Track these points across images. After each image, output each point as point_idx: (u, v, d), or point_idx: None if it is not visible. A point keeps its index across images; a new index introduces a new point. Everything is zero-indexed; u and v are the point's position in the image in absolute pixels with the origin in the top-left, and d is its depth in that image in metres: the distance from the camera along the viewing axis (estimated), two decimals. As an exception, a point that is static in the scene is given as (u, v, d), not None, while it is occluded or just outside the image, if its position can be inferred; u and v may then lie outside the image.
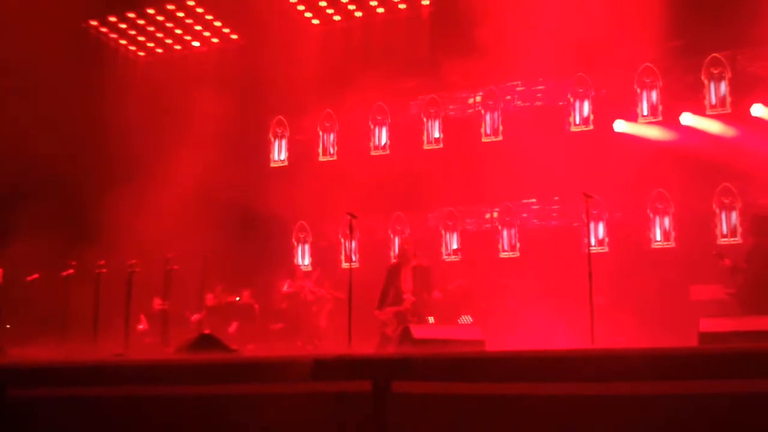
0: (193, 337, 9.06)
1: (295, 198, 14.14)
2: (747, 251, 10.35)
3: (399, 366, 5.47)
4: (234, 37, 15.92)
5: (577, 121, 13.98)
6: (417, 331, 8.56)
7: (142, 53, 16.47)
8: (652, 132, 13.28)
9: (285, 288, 12.99)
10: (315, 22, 15.31)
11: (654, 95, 13.54)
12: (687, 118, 12.96)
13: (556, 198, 13.80)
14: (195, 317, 12.71)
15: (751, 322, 8.21)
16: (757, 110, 12.45)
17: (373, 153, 15.35)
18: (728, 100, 13.02)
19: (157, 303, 12.31)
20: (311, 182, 14.49)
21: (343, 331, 9.58)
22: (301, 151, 15.86)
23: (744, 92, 12.80)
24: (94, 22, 15.58)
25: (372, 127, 15.45)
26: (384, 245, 14.88)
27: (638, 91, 13.63)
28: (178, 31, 15.83)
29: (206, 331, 9.63)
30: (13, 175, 12.77)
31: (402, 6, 14.72)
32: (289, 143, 16.01)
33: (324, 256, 15.04)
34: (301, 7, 14.96)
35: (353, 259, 13.16)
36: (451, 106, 14.97)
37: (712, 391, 5.45)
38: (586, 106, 13.95)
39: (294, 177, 15.02)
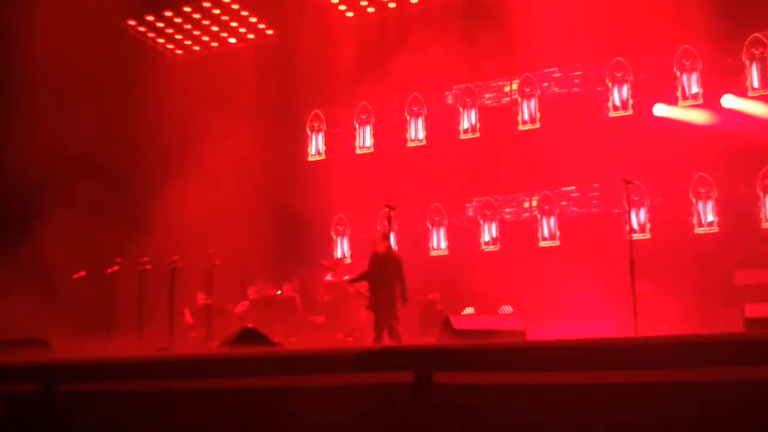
0: (236, 330, 9.16)
1: (333, 191, 14.21)
2: None
3: (440, 357, 5.48)
4: (269, 32, 16.01)
5: (616, 106, 13.80)
6: (457, 322, 8.56)
7: (179, 51, 16.65)
8: (693, 115, 13.06)
9: (328, 278, 13.04)
10: (349, 14, 15.32)
11: (694, 78, 13.30)
12: (728, 101, 12.71)
13: (596, 185, 13.65)
14: (238, 309, 12.85)
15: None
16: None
17: (409, 144, 15.34)
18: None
19: (201, 297, 12.47)
20: (349, 175, 14.54)
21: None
22: (338, 144, 15.90)
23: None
24: (132, 22, 15.78)
25: (408, 118, 15.43)
26: (422, 236, 14.88)
27: (677, 74, 13.40)
28: (215, 29, 15.97)
29: (249, 325, 9.72)
30: (58, 175, 13.02)
31: (435, -5, 14.68)
32: (326, 137, 16.07)
33: (363, 249, 15.09)
34: (334, 0, 14.98)
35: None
36: (486, 95, 14.89)
37: (760, 377, 5.36)
38: (625, 91, 13.76)
39: (332, 170, 15.09)
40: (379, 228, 13.72)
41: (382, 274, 9.65)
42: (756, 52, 12.91)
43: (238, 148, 13.18)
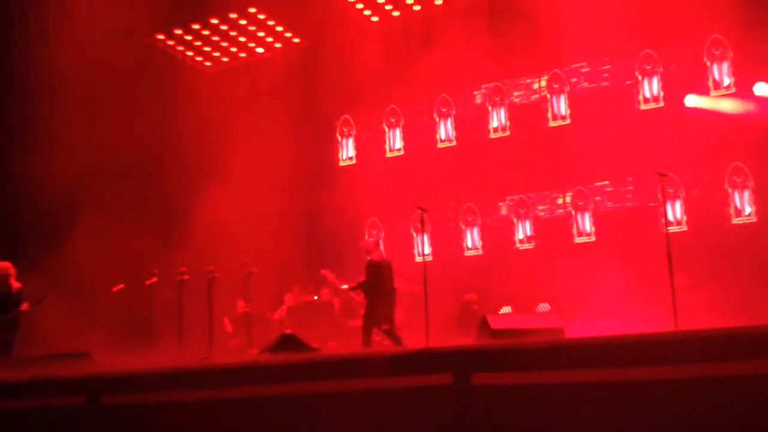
0: (275, 337, 9.23)
1: (365, 195, 14.27)
2: None
3: (479, 358, 5.47)
4: (296, 40, 16.12)
5: (647, 99, 13.68)
6: (494, 322, 8.54)
7: (208, 63, 16.83)
8: (725, 105, 12.90)
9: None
10: (374, 19, 15.37)
11: (725, 67, 13.13)
12: (761, 88, 12.54)
13: (630, 179, 13.55)
14: (276, 316, 12.94)
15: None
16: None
17: (439, 145, 15.34)
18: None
19: (240, 306, 12.58)
20: (380, 178, 14.59)
21: (420, 325, 9.62)
22: (369, 148, 15.96)
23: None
24: (161, 36, 15.99)
25: (437, 119, 15.45)
26: (456, 237, 14.87)
27: (708, 63, 13.25)
28: (242, 39, 16.11)
29: (288, 331, 9.80)
30: (94, 185, 13.25)
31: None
32: (356, 141, 16.14)
33: (397, 251, 15.14)
34: (359, 6, 15.04)
35: (426, 252, 13.22)
36: (515, 93, 14.84)
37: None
38: (655, 83, 13.64)
39: (363, 174, 15.15)
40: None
41: (380, 281, 9.92)
42: (788, 38, 12.70)
43: (270, 156, 13.30)
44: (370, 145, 15.97)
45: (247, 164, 13.30)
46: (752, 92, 12.56)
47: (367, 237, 14.54)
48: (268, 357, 8.00)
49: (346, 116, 16.20)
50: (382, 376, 5.45)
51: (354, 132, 16.20)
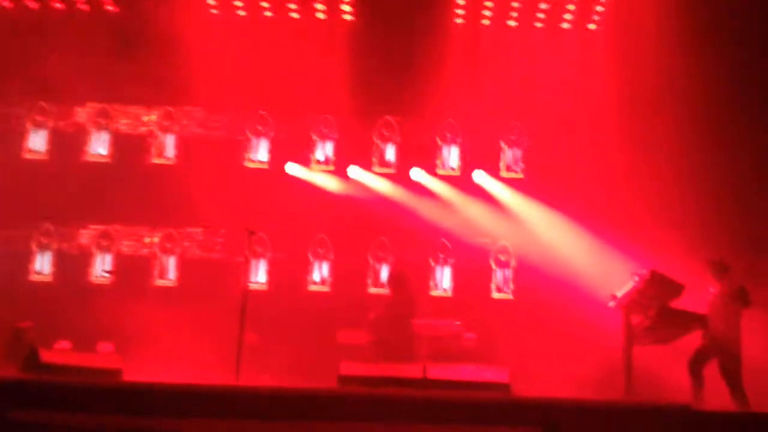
0: None
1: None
2: (387, 303, 11.05)
3: (20, 391, 4.84)
4: None
5: (254, 158, 13.96)
6: (46, 355, 7.74)
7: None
8: (322, 180, 13.71)
9: None
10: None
11: (328, 146, 13.99)
12: (355, 172, 13.59)
13: (223, 231, 13.57)
14: None
15: (387, 368, 8.64)
16: (416, 174, 13.48)
17: (28, 155, 13.93)
18: (394, 161, 13.84)
19: None
20: None
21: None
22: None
23: (409, 156, 13.75)
24: None
25: (31, 128, 14.05)
26: (26, 259, 13.46)
27: (315, 138, 14.00)
28: None
29: None
30: None
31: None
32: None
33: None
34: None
35: None
36: (123, 120, 14.15)
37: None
38: (264, 145, 14.01)
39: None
40: None
41: None
42: (386, 133, 13.98)
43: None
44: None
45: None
46: (347, 174, 13.52)
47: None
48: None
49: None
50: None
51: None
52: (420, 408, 5.63)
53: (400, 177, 13.64)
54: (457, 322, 11.68)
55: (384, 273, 13.31)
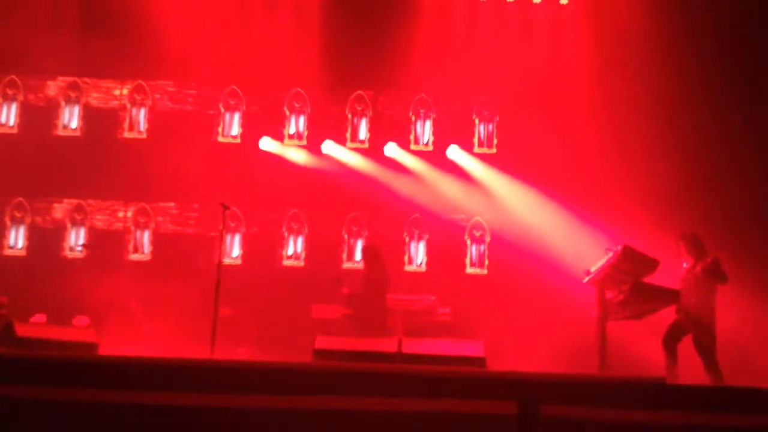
0: None
1: None
2: (362, 277, 11.14)
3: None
4: None
5: (226, 132, 13.92)
6: (22, 329, 7.75)
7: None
8: (295, 154, 13.70)
9: None
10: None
11: (301, 120, 13.97)
12: (328, 147, 13.59)
13: (196, 205, 13.57)
14: None
15: (362, 342, 8.75)
16: (390, 149, 13.51)
17: (-1, 131, 13.80)
18: (367, 136, 13.86)
19: None
20: None
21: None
22: None
23: (382, 131, 13.78)
24: None
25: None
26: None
27: (287, 113, 13.97)
28: None
29: None
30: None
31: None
32: None
33: None
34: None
35: None
36: (94, 94, 14.03)
37: (325, 407, 5.62)
38: (237, 119, 13.97)
39: None
40: None
41: None
42: (358, 107, 13.99)
43: None
44: None
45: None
46: (320, 149, 13.52)
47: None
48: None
49: None
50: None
51: None
52: (395, 382, 5.74)
53: (373, 151, 13.67)
54: (432, 297, 11.81)
55: (358, 247, 13.40)
